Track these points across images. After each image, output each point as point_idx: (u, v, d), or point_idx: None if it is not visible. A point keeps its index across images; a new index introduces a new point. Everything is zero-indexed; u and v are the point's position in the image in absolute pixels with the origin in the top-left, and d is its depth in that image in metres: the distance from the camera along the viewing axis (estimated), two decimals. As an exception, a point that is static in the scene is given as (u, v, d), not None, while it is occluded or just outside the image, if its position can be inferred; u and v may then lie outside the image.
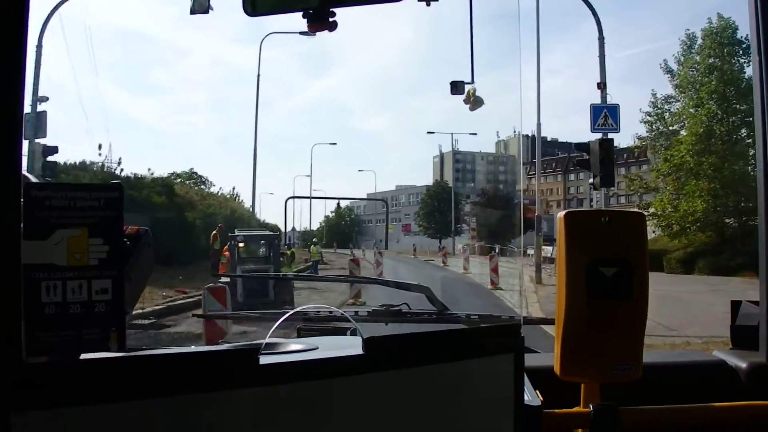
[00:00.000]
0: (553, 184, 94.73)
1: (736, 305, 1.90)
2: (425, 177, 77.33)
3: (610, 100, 14.33)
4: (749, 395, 1.63)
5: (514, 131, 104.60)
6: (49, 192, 0.98)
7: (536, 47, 20.06)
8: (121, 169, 26.48)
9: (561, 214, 1.42)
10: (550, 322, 1.83)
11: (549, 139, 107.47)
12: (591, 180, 13.31)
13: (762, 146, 1.72)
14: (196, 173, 44.17)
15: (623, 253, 1.40)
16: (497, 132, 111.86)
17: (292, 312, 1.42)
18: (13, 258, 0.89)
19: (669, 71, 26.37)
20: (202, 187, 43.17)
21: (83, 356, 0.98)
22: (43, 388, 0.84)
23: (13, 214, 0.89)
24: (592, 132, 13.79)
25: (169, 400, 0.88)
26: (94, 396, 0.86)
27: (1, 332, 0.86)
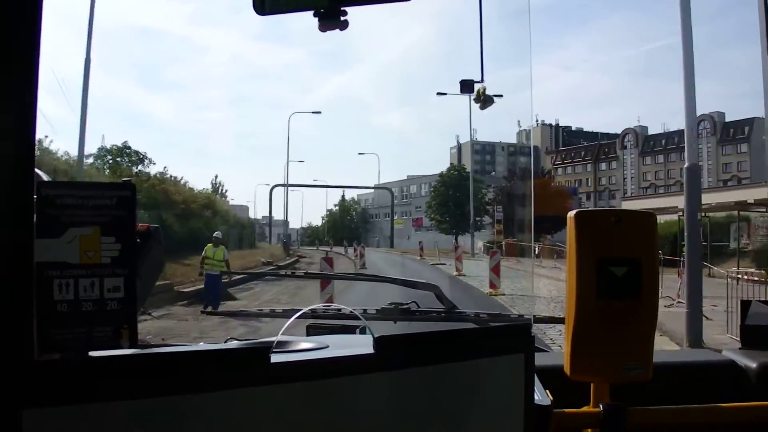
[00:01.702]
0: (582, 175, 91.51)
1: (746, 305, 1.93)
2: (441, 168, 70.27)
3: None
4: (759, 395, 1.66)
5: (536, 120, 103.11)
6: (61, 190, 1.01)
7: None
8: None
9: (571, 213, 1.45)
10: (560, 321, 1.85)
11: (574, 128, 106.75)
12: None
13: None
14: (129, 148, 40.85)
15: (633, 253, 1.43)
16: (518, 121, 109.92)
17: (303, 311, 1.46)
18: (25, 256, 0.92)
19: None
20: (145, 168, 39.88)
21: (95, 353, 1.02)
22: (55, 386, 0.87)
23: (26, 212, 0.93)
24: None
25: (180, 397, 0.92)
26: (106, 393, 0.88)
27: (14, 330, 0.89)
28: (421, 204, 78.84)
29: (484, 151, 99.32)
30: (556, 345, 6.67)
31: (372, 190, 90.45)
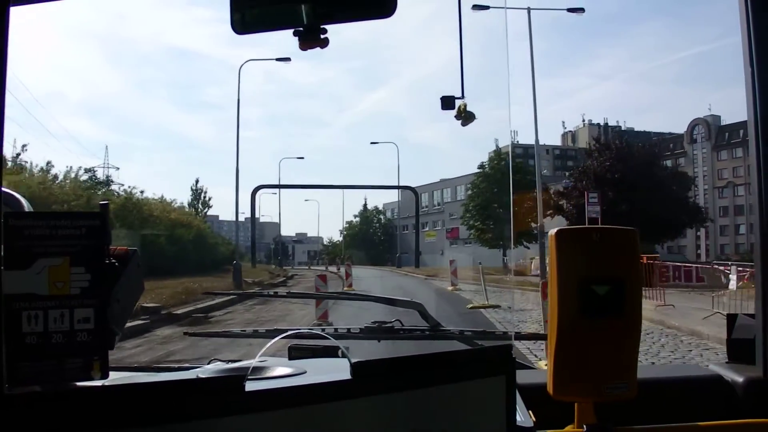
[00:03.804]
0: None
1: (732, 318, 1.98)
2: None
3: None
4: (746, 410, 1.72)
5: (583, 120, 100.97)
6: (29, 221, 1.06)
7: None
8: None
9: (552, 231, 1.49)
10: (542, 337, 1.90)
11: (624, 128, 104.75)
12: None
13: (756, 150, 1.77)
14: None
15: (616, 271, 1.47)
16: (563, 122, 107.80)
17: (284, 335, 1.52)
18: None
19: None
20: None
21: (66, 386, 1.08)
22: (26, 419, 0.93)
23: None
24: None
25: (154, 428, 0.97)
26: (78, 426, 0.94)
27: None
28: (457, 211, 63.73)
29: (527, 154, 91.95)
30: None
31: (398, 198, 77.75)
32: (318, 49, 1.46)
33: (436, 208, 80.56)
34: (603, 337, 1.47)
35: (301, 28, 1.42)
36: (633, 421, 1.57)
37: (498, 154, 52.73)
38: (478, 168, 52.40)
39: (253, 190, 48.69)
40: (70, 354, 1.07)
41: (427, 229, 74.03)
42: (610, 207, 29.99)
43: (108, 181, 41.92)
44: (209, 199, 60.27)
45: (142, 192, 38.03)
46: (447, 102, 2.43)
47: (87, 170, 39.60)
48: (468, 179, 59.47)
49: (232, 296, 17.63)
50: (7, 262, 1.02)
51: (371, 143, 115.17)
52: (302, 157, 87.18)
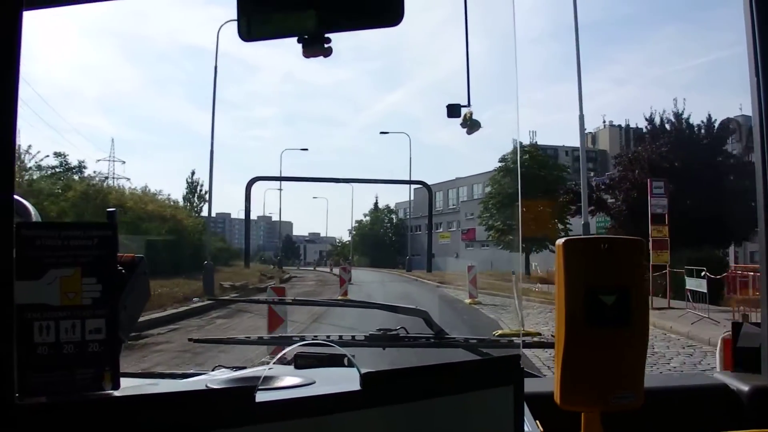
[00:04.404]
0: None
1: (737, 327, 2.01)
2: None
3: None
4: (752, 419, 1.74)
5: (604, 121, 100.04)
6: (41, 231, 1.08)
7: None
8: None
9: (560, 241, 1.52)
10: (549, 345, 1.93)
11: (645, 131, 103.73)
12: None
13: (761, 155, 1.78)
14: None
15: (622, 280, 1.50)
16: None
17: (294, 346, 1.54)
18: (5, 298, 1.00)
19: None
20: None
21: (77, 396, 1.09)
22: (37, 429, 0.95)
23: (4, 255, 1.02)
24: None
25: None
26: None
27: None
28: (474, 211, 57.02)
29: (546, 155, 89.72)
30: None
31: (409, 196, 67.68)
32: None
33: (451, 208, 75.79)
34: (610, 347, 1.50)
35: (306, 36, 1.45)
36: (639, 430, 1.59)
37: (522, 145, 44.67)
38: (499, 162, 46.35)
39: (249, 183, 45.94)
40: (82, 364, 1.08)
41: (441, 230, 69.54)
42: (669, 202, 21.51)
43: (81, 168, 40.10)
44: (205, 192, 56.85)
45: (106, 178, 36.94)
46: (453, 110, 2.47)
47: (57, 154, 38.05)
48: (486, 177, 53.21)
49: (187, 307, 16.75)
50: (18, 273, 1.03)
51: (381, 133, 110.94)
52: (306, 149, 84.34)
